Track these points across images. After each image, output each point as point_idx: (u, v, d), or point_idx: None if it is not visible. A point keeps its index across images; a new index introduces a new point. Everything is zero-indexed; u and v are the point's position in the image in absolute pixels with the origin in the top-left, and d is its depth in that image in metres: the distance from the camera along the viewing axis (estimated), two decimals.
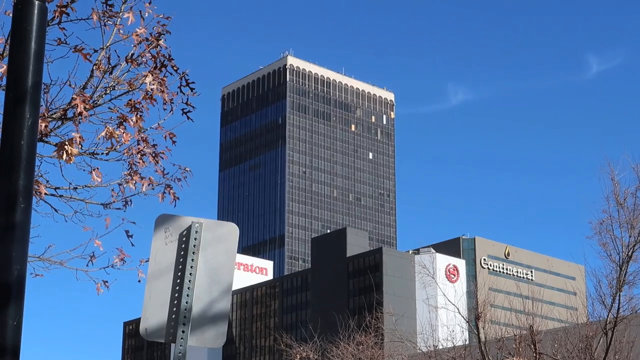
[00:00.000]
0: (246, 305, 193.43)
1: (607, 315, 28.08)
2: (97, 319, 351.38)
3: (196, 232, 7.51)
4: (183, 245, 7.53)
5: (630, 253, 27.57)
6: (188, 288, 7.39)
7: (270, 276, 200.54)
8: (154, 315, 7.41)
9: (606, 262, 28.22)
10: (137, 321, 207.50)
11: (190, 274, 7.42)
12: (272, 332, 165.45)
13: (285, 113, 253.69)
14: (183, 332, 7.30)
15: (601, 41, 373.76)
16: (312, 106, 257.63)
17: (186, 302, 7.37)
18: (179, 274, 7.47)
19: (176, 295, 7.45)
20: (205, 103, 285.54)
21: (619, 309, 27.75)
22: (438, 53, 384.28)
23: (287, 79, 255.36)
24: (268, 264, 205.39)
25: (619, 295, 27.69)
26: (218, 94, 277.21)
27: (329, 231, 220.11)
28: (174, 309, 7.42)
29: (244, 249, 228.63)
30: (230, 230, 7.68)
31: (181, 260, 7.49)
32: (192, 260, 7.44)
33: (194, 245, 7.47)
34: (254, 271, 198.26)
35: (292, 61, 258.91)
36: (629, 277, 27.72)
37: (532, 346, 28.85)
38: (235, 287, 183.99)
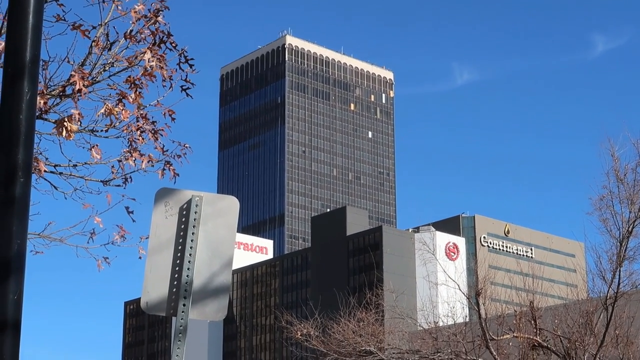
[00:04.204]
0: (246, 284, 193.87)
1: (608, 291, 28.12)
2: (98, 298, 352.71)
3: (196, 205, 7.49)
4: (183, 219, 7.51)
5: (630, 228, 27.57)
6: (189, 262, 7.38)
7: (270, 255, 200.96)
8: (154, 289, 7.41)
9: (606, 238, 28.27)
10: (138, 301, 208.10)
11: (191, 247, 7.41)
12: (272, 310, 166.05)
13: (285, 92, 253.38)
14: (184, 305, 7.30)
15: (607, 20, 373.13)
16: (311, 85, 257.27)
17: (187, 276, 7.36)
18: (180, 247, 7.46)
19: (177, 268, 7.44)
20: (204, 83, 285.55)
21: (619, 284, 27.79)
22: (442, 33, 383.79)
23: (286, 59, 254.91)
24: (268, 243, 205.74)
25: (619, 270, 27.72)
26: (217, 74, 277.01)
27: (328, 210, 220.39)
28: (175, 283, 7.42)
29: (243, 228, 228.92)
30: (231, 204, 7.65)
31: (181, 234, 7.48)
32: (193, 233, 7.43)
33: (195, 219, 7.46)
34: (254, 250, 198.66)
35: (291, 40, 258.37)
36: (629, 253, 27.75)
37: (533, 322, 28.93)
38: (235, 266, 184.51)
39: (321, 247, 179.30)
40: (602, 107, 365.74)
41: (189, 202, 7.52)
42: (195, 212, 7.47)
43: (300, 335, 30.54)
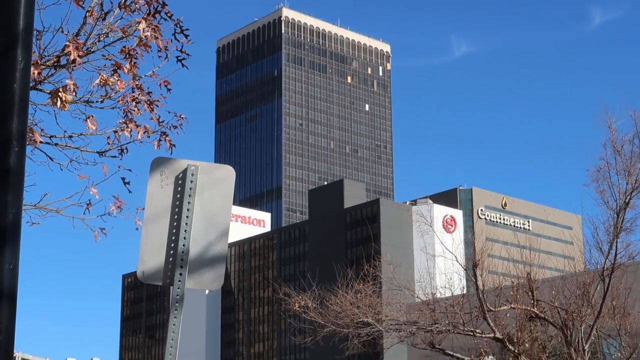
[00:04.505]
0: (244, 257, 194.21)
1: (604, 262, 28.14)
2: (96, 270, 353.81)
3: (192, 175, 7.45)
4: (179, 189, 7.47)
5: (627, 200, 27.57)
6: (185, 231, 7.36)
7: (268, 228, 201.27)
8: (151, 258, 7.40)
9: (603, 210, 28.29)
10: (135, 273, 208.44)
11: (187, 216, 7.38)
12: (270, 283, 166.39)
13: (281, 65, 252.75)
14: (180, 274, 7.29)
15: None
16: (307, 58, 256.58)
17: (183, 245, 7.34)
18: (176, 217, 7.43)
19: (173, 238, 7.42)
20: (200, 56, 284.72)
21: (616, 255, 27.80)
22: (439, 5, 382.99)
23: (283, 31, 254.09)
24: (266, 216, 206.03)
25: (616, 241, 27.72)
26: (213, 47, 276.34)
27: (326, 183, 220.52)
28: (171, 252, 7.40)
29: (241, 201, 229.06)
30: (227, 173, 7.62)
31: (177, 203, 7.45)
32: (189, 203, 7.40)
33: (190, 188, 7.42)
34: (252, 223, 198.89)
35: (287, 13, 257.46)
36: (626, 224, 27.75)
37: (530, 294, 28.99)
38: (233, 239, 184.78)
39: (319, 219, 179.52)
40: (600, 80, 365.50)
41: (184, 172, 7.49)
42: (191, 182, 7.44)
43: (298, 307, 30.59)
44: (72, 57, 9.66)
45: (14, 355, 5.41)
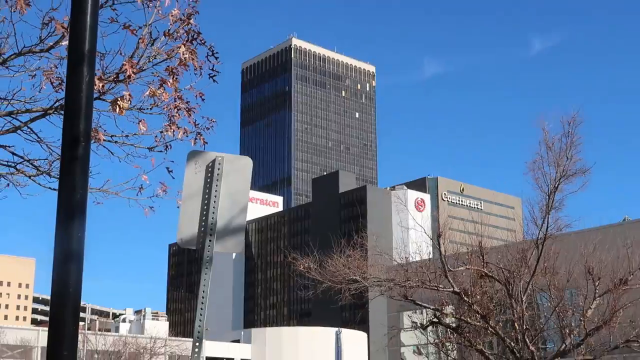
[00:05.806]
0: (262, 230, 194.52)
1: (538, 233, 28.17)
2: (148, 241, 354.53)
3: (219, 164, 7.44)
4: (209, 175, 7.45)
5: (556, 185, 27.60)
6: (213, 207, 7.34)
7: (280, 208, 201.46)
8: (187, 228, 7.39)
9: (538, 193, 28.26)
10: None
11: (215, 196, 7.37)
12: (282, 250, 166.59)
13: (291, 83, 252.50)
14: (210, 241, 7.27)
15: (543, 23, 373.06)
16: (311, 77, 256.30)
17: (212, 218, 7.32)
18: (206, 196, 7.41)
19: (204, 212, 7.40)
20: (229, 75, 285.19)
21: (547, 228, 27.85)
22: (414, 34, 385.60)
23: (292, 56, 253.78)
24: (279, 199, 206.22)
25: (548, 217, 27.78)
26: (239, 68, 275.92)
27: (325, 173, 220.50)
28: (203, 223, 7.38)
29: (260, 187, 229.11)
30: (246, 163, 7.62)
31: (208, 186, 7.43)
32: (216, 186, 7.39)
33: (218, 174, 7.41)
34: (268, 204, 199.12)
35: (296, 42, 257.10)
36: (555, 204, 27.78)
37: (481, 258, 28.98)
38: (253, 216, 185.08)
39: (320, 202, 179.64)
40: (539, 93, 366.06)
41: (213, 161, 7.47)
42: (218, 169, 7.42)
43: (303, 268, 30.56)
44: (128, 74, 9.63)
45: (84, 305, 5.38)
